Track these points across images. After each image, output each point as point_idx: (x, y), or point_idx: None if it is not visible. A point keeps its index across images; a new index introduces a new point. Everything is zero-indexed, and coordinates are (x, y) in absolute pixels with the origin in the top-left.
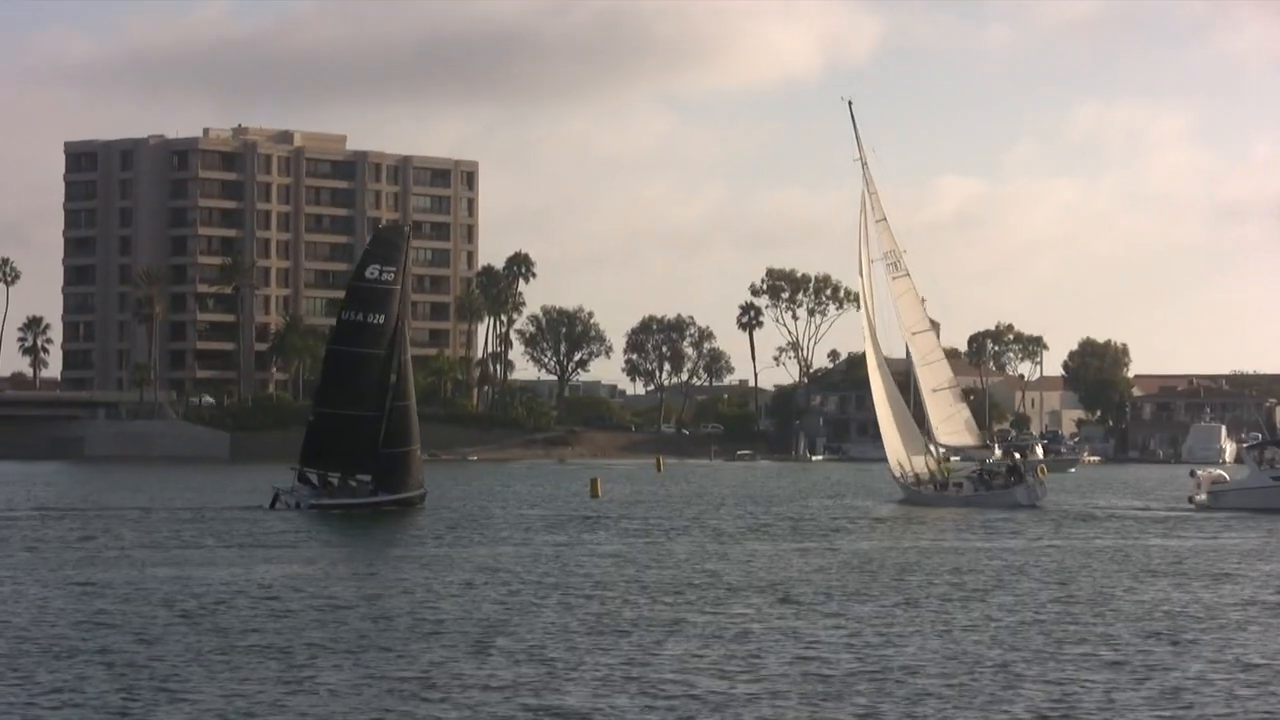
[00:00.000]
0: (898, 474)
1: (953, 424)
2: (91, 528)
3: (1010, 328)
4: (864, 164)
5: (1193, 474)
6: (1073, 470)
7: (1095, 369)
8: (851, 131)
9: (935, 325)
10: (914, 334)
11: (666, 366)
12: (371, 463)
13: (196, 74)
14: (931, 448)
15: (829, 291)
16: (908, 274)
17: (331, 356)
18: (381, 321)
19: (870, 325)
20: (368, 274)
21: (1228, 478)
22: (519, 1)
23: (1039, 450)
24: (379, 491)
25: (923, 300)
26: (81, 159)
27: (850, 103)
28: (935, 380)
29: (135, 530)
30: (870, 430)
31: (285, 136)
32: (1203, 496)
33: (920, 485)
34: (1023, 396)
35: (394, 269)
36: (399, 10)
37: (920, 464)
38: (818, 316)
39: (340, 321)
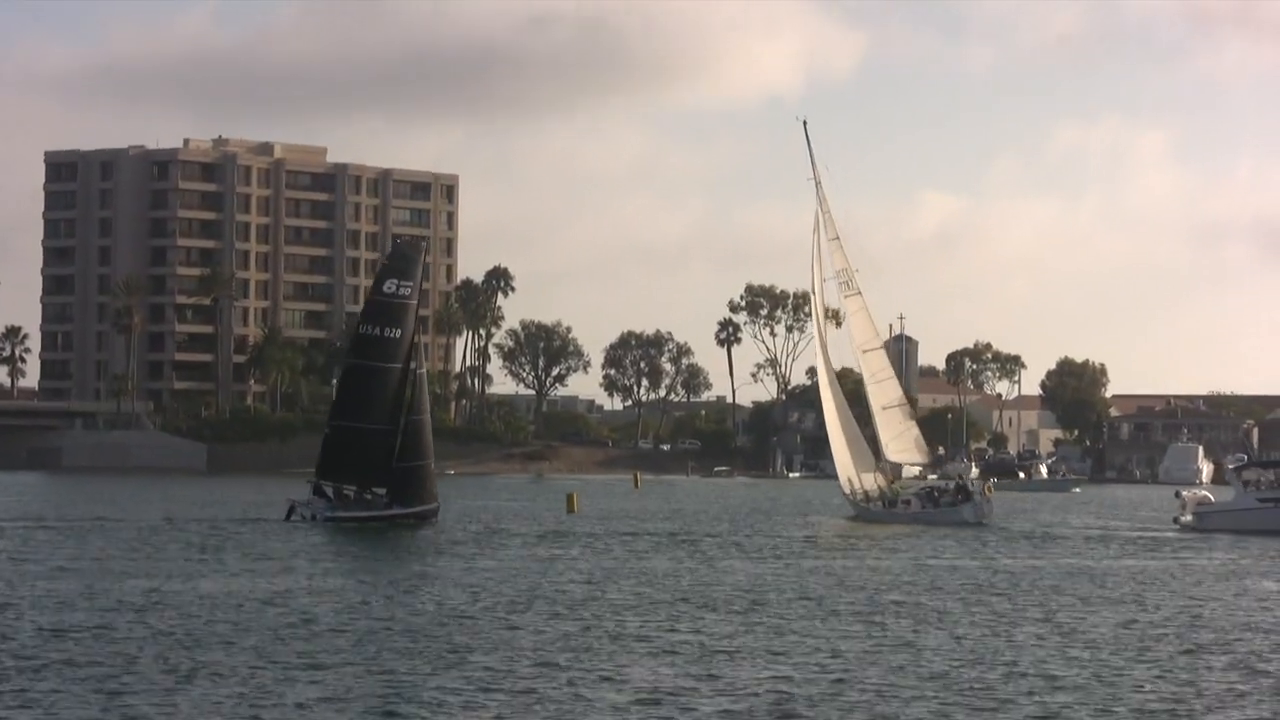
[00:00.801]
0: (847, 491)
1: (902, 441)
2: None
3: (988, 346)
4: (817, 183)
5: (1177, 495)
6: (1077, 490)
7: (1073, 388)
8: (806, 151)
9: (915, 342)
10: (864, 351)
11: (644, 382)
12: (386, 476)
13: (176, 84)
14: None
15: (807, 309)
16: (859, 292)
17: (349, 370)
18: (398, 336)
19: (822, 342)
20: (385, 288)
21: (1213, 499)
22: (500, 16)
23: (1043, 470)
24: (393, 504)
25: (902, 317)
26: (61, 169)
27: (805, 122)
28: (885, 398)
29: (157, 542)
30: None
31: (266, 148)
32: (1188, 517)
33: (869, 502)
34: (1000, 415)
35: (411, 284)
36: (380, 23)
37: (869, 481)
38: (796, 333)
39: (358, 335)
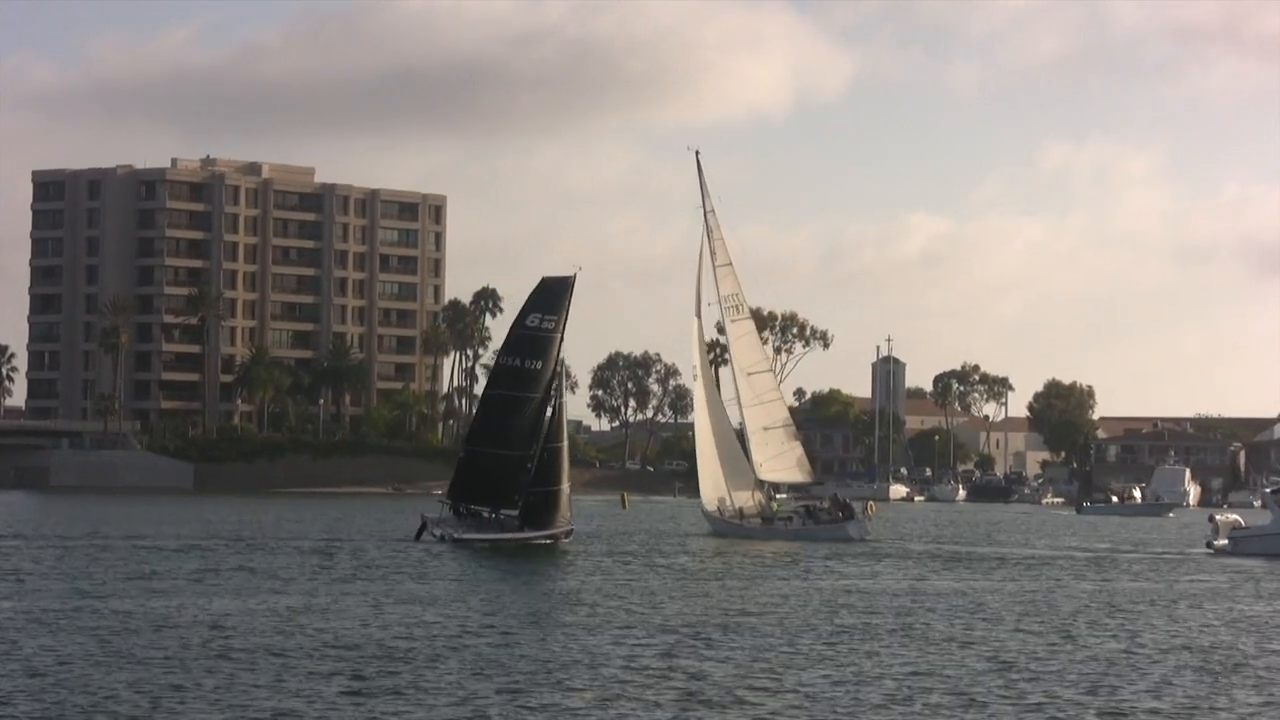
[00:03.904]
0: (712, 509)
1: (783, 460)
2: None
3: (976, 368)
4: (709, 212)
5: (1211, 519)
6: (1172, 515)
7: (1060, 410)
8: (698, 181)
9: (902, 363)
10: (750, 374)
11: (632, 403)
12: (519, 499)
13: (161, 102)
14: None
15: (795, 329)
16: (749, 317)
17: (488, 399)
18: (539, 367)
19: (702, 363)
20: (529, 322)
21: (1243, 522)
22: (486, 33)
23: (1137, 494)
24: (525, 527)
25: (889, 338)
26: (49, 188)
27: (697, 153)
28: (769, 419)
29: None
30: (834, 469)
31: (254, 168)
32: (1222, 541)
33: (744, 519)
34: (987, 437)
35: (555, 318)
36: (365, 42)
37: (746, 499)
38: (784, 354)
39: (498, 366)
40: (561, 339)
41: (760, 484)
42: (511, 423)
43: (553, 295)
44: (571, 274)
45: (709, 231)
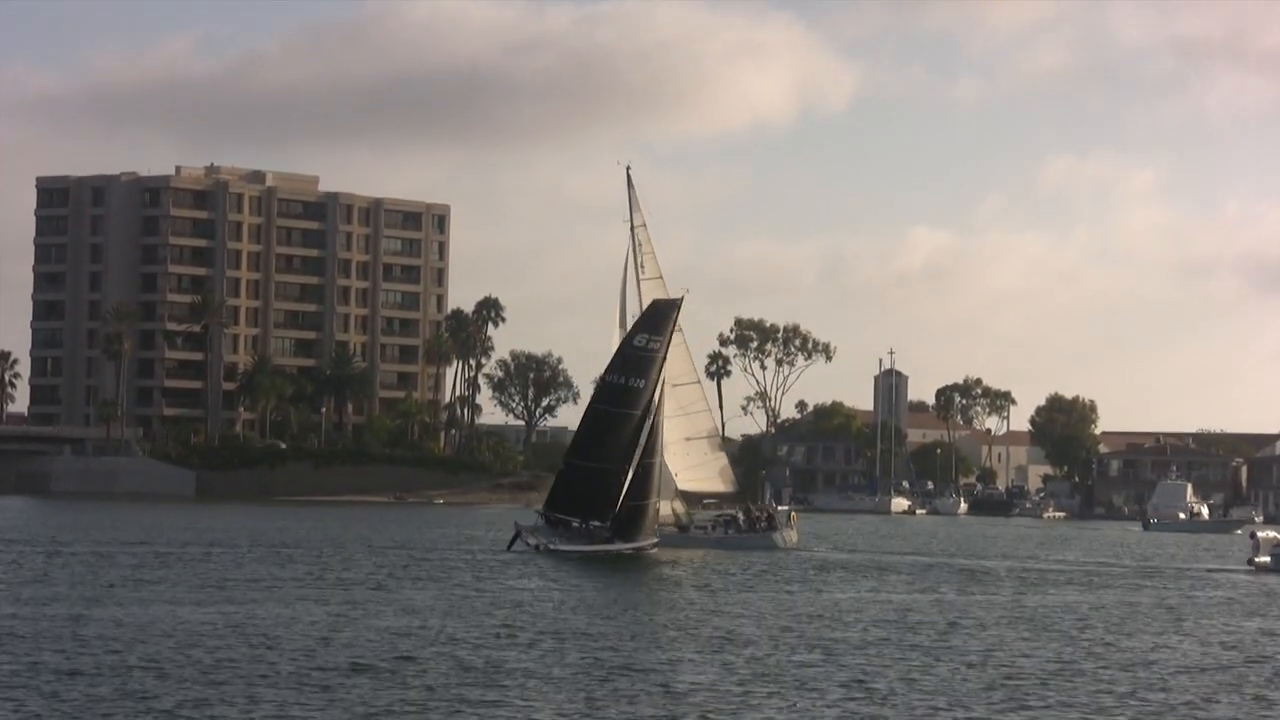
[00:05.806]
0: None
1: (706, 470)
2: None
3: (978, 382)
4: (638, 226)
5: (1252, 536)
6: (1239, 532)
7: (1062, 425)
8: (627, 195)
9: (904, 377)
10: (676, 385)
11: None
12: (611, 512)
13: (162, 110)
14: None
15: (797, 342)
16: (680, 329)
17: (591, 414)
18: (641, 386)
19: None
20: (636, 342)
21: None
22: (489, 43)
23: (1204, 511)
24: (614, 539)
25: (892, 352)
26: (53, 194)
27: (628, 168)
28: (694, 430)
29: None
30: (836, 482)
31: (258, 176)
32: (1264, 558)
33: (659, 527)
34: (989, 451)
35: (661, 338)
36: (367, 50)
37: (665, 507)
38: (786, 367)
39: (604, 383)
40: (664, 359)
41: (678, 494)
42: (610, 438)
43: (661, 317)
44: (679, 296)
45: (638, 246)
